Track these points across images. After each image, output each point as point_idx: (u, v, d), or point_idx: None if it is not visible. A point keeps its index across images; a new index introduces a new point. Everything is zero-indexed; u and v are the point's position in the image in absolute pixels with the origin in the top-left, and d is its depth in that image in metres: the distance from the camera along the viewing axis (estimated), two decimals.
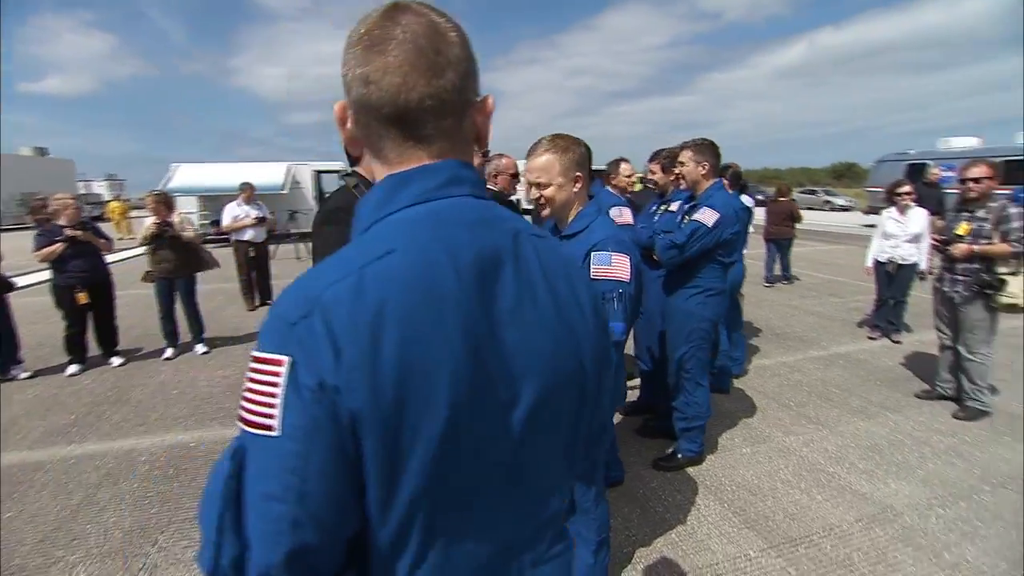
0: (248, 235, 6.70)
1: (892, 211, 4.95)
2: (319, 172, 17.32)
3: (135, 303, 6.73)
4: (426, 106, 0.58)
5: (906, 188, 4.87)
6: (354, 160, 1.64)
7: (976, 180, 3.23)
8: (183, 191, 14.99)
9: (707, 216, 2.48)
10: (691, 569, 2.18)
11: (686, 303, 2.70)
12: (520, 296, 0.60)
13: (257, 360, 0.53)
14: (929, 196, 8.73)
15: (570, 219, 1.70)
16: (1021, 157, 12.98)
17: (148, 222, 4.81)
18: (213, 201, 14.97)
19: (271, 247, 7.33)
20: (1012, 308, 3.21)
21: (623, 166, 3.80)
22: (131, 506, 2.67)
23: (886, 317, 5.20)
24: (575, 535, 1.54)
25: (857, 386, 4.10)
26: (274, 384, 0.51)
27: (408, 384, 0.52)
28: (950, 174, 14.38)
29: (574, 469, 0.73)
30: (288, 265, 10.48)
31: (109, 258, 4.86)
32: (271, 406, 0.51)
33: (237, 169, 15.45)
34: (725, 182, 4.42)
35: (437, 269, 0.55)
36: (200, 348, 5.15)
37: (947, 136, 16.15)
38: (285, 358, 0.51)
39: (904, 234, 4.86)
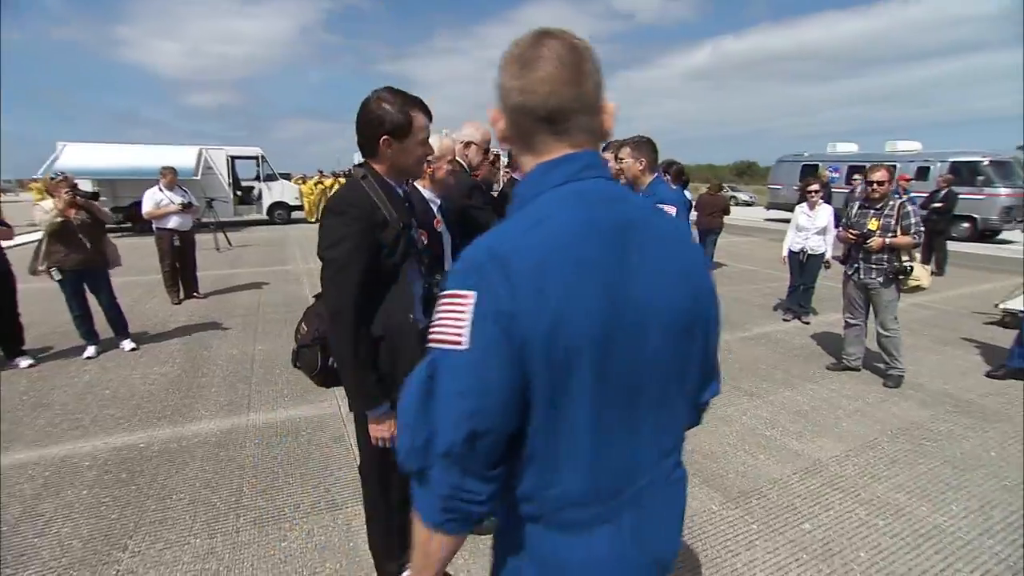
0: (172, 223, 6.19)
1: (804, 207, 5.61)
2: (234, 158, 16.14)
3: (30, 298, 5.97)
4: (570, 108, 0.75)
5: (815, 187, 5.54)
6: (368, 153, 1.66)
7: (880, 183, 3.80)
8: (73, 173, 13.35)
9: (668, 211, 2.69)
10: None
11: None
12: (645, 254, 0.75)
13: (449, 296, 0.72)
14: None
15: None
16: (891, 162, 15.05)
17: (47, 205, 4.22)
18: (110, 186, 13.49)
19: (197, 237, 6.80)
20: (916, 289, 3.83)
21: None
22: (85, 514, 2.47)
23: (797, 301, 5.89)
24: None
25: (780, 361, 4.65)
26: (463, 311, 0.69)
27: (561, 317, 0.68)
28: (836, 175, 16.42)
29: (688, 406, 0.89)
30: (207, 257, 9.75)
31: None
32: (460, 327, 0.69)
33: (138, 151, 14.04)
34: (668, 177, 4.78)
35: (581, 233, 0.72)
36: (127, 345, 4.72)
37: (833, 141, 18.31)
38: (472, 293, 0.69)
39: (813, 227, 5.53)
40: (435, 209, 2.21)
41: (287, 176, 18.89)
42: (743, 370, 4.44)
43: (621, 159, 2.88)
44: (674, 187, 4.32)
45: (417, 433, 0.71)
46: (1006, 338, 5.29)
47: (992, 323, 5.86)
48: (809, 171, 18.08)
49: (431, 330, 0.73)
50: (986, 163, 13.79)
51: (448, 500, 0.71)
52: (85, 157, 13.59)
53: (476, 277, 0.70)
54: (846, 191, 10.52)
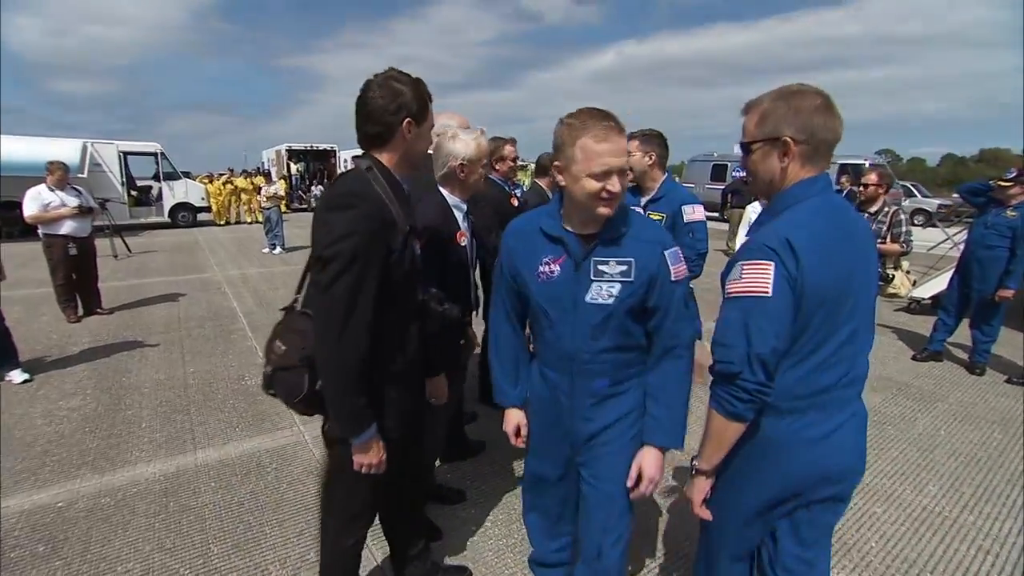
0: (66, 228, 5.26)
1: (756, 204, 5.88)
2: (126, 154, 14.35)
3: None
4: (834, 144, 1.19)
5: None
6: (370, 144, 1.45)
7: (866, 186, 3.97)
8: None
9: (699, 212, 2.57)
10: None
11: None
12: (856, 242, 1.20)
13: (752, 264, 1.12)
14: (743, 193, 10.63)
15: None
16: None
17: None
18: None
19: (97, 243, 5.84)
20: (894, 296, 4.08)
21: None
22: None
23: None
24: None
25: None
26: (767, 274, 1.10)
27: (819, 280, 1.11)
28: (741, 173, 17.83)
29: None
30: (104, 266, 8.48)
31: None
32: (766, 283, 1.09)
33: (7, 143, 11.95)
34: None
35: (829, 229, 1.16)
36: (17, 376, 3.90)
37: (721, 144, 19.92)
38: (772, 263, 1.10)
39: None
40: (460, 217, 1.96)
41: (189, 175, 17.12)
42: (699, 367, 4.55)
43: (628, 153, 2.76)
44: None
45: (737, 348, 1.11)
46: (915, 323, 5.94)
47: (901, 310, 6.53)
48: (719, 170, 19.67)
49: (739, 283, 1.14)
50: (867, 165, 15.62)
51: (754, 394, 1.12)
52: None
53: (774, 253, 1.11)
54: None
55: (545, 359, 1.52)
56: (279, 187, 11.20)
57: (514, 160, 3.38)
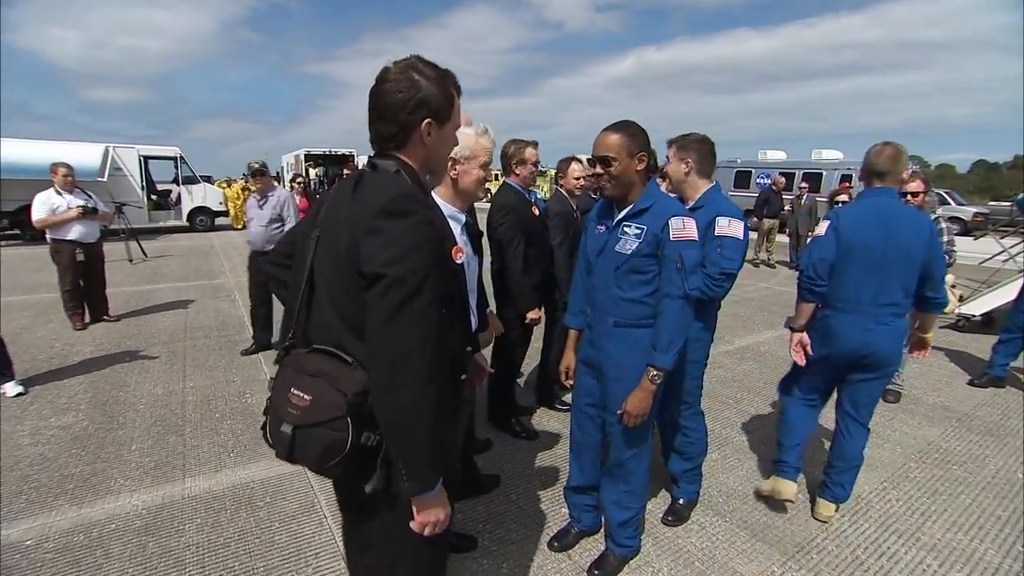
0: (74, 233, 5.13)
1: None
2: (147, 158, 14.44)
3: None
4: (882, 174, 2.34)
5: (845, 197, 5.20)
6: (384, 144, 1.21)
7: (914, 194, 3.55)
8: None
9: (736, 228, 2.21)
10: None
11: (694, 327, 2.32)
12: (892, 230, 2.21)
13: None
14: (775, 202, 10.18)
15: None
16: (817, 170, 16.00)
17: None
18: None
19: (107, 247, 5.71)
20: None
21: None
22: None
23: None
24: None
25: (773, 377, 4.45)
26: (826, 226, 2.36)
27: (851, 237, 2.27)
28: (766, 181, 17.20)
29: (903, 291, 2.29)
30: (119, 271, 8.46)
31: None
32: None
33: (30, 147, 12.08)
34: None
35: (865, 214, 2.28)
36: (10, 388, 3.72)
37: (750, 149, 19.31)
38: (827, 222, 2.37)
39: None
40: (457, 229, 1.67)
41: (209, 179, 17.23)
42: (741, 389, 4.19)
43: (665, 160, 2.46)
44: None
45: (804, 260, 2.39)
46: (964, 342, 5.47)
47: (947, 326, 6.05)
48: (743, 177, 19.06)
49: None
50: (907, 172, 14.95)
51: (811, 284, 2.35)
52: None
53: (832, 217, 2.35)
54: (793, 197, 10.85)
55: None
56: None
57: (535, 164, 3.10)
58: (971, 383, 4.33)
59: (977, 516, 2.59)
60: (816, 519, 2.55)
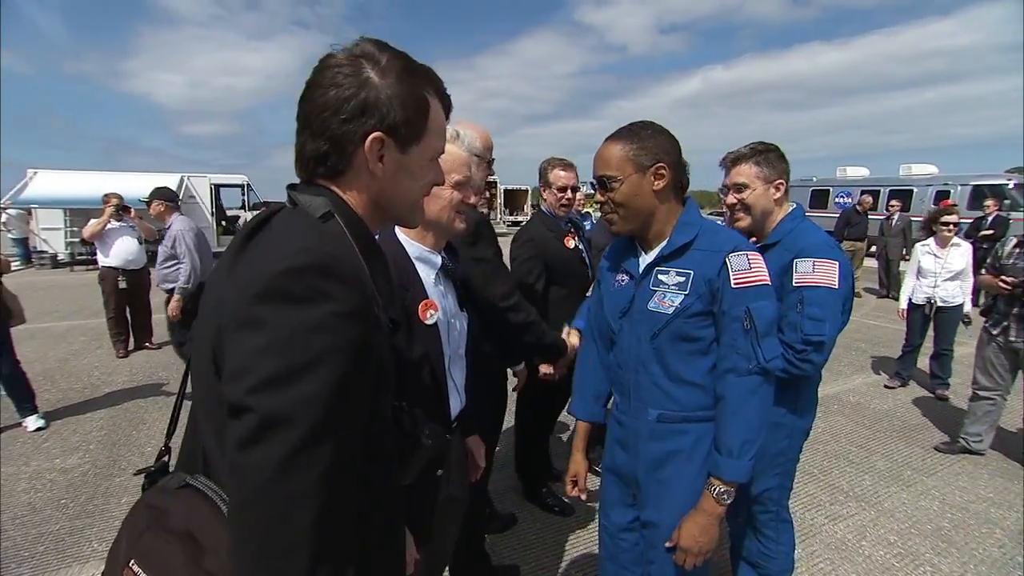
0: (117, 260, 5.23)
1: (931, 244, 4.35)
2: (217, 186, 15.30)
3: None
4: None
5: (952, 218, 4.22)
6: (312, 169, 0.78)
7: None
8: (43, 202, 12.44)
9: (826, 272, 1.57)
10: None
11: (772, 411, 1.46)
12: None
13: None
14: (859, 223, 9.04)
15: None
16: (908, 187, 14.35)
17: None
18: (84, 216, 12.54)
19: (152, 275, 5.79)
20: None
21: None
22: None
23: (911, 365, 4.67)
24: None
25: (867, 437, 3.64)
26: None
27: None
28: (846, 200, 15.62)
29: None
30: None
31: None
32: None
33: (116, 179, 13.10)
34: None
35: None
36: (32, 423, 3.65)
37: (835, 165, 17.59)
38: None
39: (945, 271, 4.24)
40: (431, 276, 1.22)
41: None
42: (828, 454, 3.42)
43: (742, 185, 1.74)
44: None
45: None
46: None
47: None
48: (819, 197, 17.45)
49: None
50: (1011, 186, 13.01)
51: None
52: (56, 185, 12.71)
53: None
54: (882, 218, 9.57)
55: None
56: None
57: (570, 190, 2.61)
58: None
59: None
60: None
